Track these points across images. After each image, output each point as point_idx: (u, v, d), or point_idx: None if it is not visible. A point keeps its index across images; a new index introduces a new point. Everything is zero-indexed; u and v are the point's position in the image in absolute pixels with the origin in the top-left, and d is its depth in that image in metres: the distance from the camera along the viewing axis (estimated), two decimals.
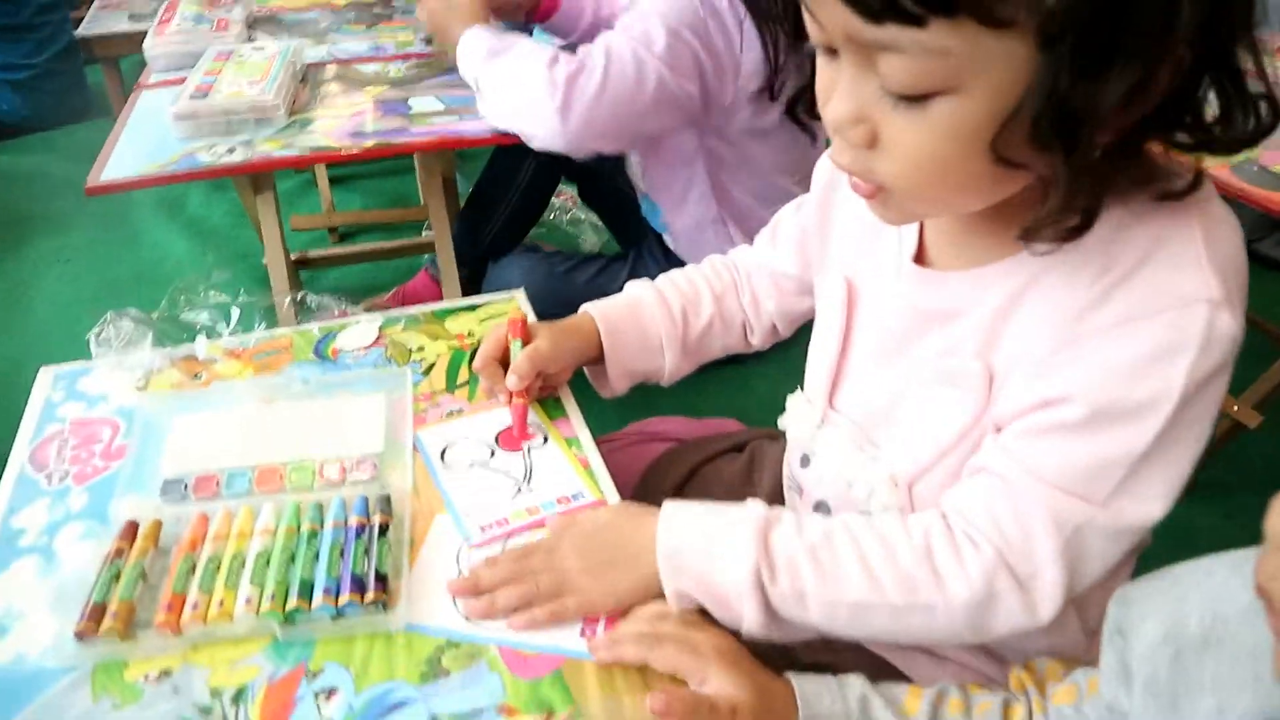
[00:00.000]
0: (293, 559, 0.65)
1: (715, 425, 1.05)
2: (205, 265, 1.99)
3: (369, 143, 1.11)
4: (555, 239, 2.03)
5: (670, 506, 0.64)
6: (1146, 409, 0.51)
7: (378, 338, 0.92)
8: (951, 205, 0.56)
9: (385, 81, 1.28)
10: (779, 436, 0.96)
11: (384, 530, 0.67)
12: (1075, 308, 0.53)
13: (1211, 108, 0.49)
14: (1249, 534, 0.37)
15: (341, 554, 0.65)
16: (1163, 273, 0.51)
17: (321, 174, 2.13)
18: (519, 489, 0.73)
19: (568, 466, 0.76)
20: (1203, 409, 0.52)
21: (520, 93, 1.13)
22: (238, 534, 0.67)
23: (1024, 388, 0.56)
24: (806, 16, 0.51)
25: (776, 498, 0.85)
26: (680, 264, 1.37)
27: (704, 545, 0.61)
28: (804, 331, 0.87)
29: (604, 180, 1.57)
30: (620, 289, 1.37)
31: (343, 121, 1.16)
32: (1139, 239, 0.52)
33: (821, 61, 0.53)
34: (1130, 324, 0.51)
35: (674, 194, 1.34)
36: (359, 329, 0.94)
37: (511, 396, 0.78)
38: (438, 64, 1.34)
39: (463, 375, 0.87)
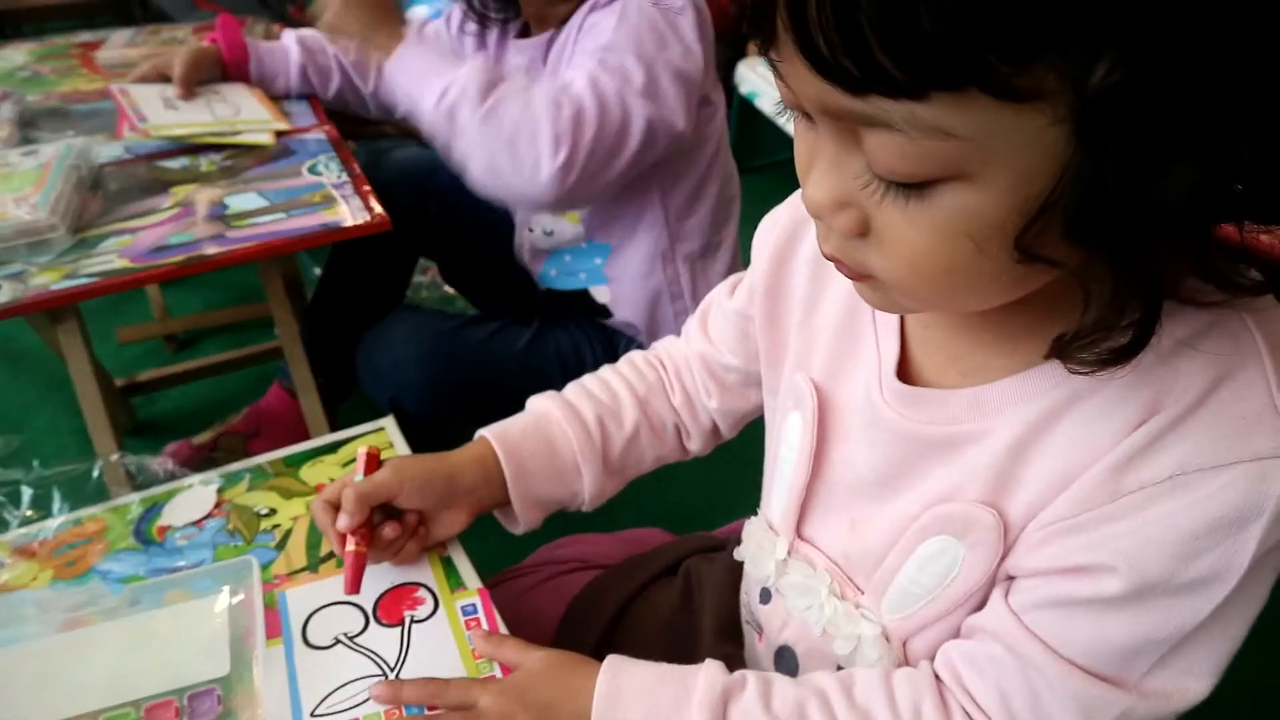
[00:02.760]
0: None
1: (637, 538, 0.91)
2: (15, 402, 1.72)
3: (177, 258, 0.92)
4: None
5: (609, 673, 0.55)
6: (1204, 585, 0.41)
7: (216, 504, 0.74)
8: (958, 305, 0.45)
9: (196, 178, 1.08)
10: (715, 547, 0.84)
11: None
12: (1117, 455, 0.42)
13: None
14: None
15: None
16: (1228, 420, 0.40)
17: None
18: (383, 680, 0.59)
19: (452, 648, 0.61)
20: (1269, 570, 0.43)
21: (517, 148, 0.98)
22: None
23: (1047, 546, 0.45)
24: (775, 79, 0.39)
25: (724, 632, 0.73)
26: (604, 329, 1.25)
27: None
28: None
29: (470, 252, 1.41)
30: (524, 349, 1.19)
31: (144, 234, 0.96)
32: (1195, 370, 0.41)
33: (799, 126, 0.42)
34: (1188, 483, 0.41)
35: (624, 226, 1.19)
36: (191, 496, 0.76)
37: (345, 542, 0.63)
38: (259, 152, 1.16)
39: (328, 543, 0.69)
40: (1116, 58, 0.30)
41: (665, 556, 0.83)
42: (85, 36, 1.75)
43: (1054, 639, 0.45)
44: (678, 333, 0.78)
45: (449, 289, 1.79)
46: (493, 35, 1.23)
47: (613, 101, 0.99)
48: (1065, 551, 0.44)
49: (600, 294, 1.25)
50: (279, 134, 1.21)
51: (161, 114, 1.23)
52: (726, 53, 2.76)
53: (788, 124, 2.27)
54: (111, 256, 0.92)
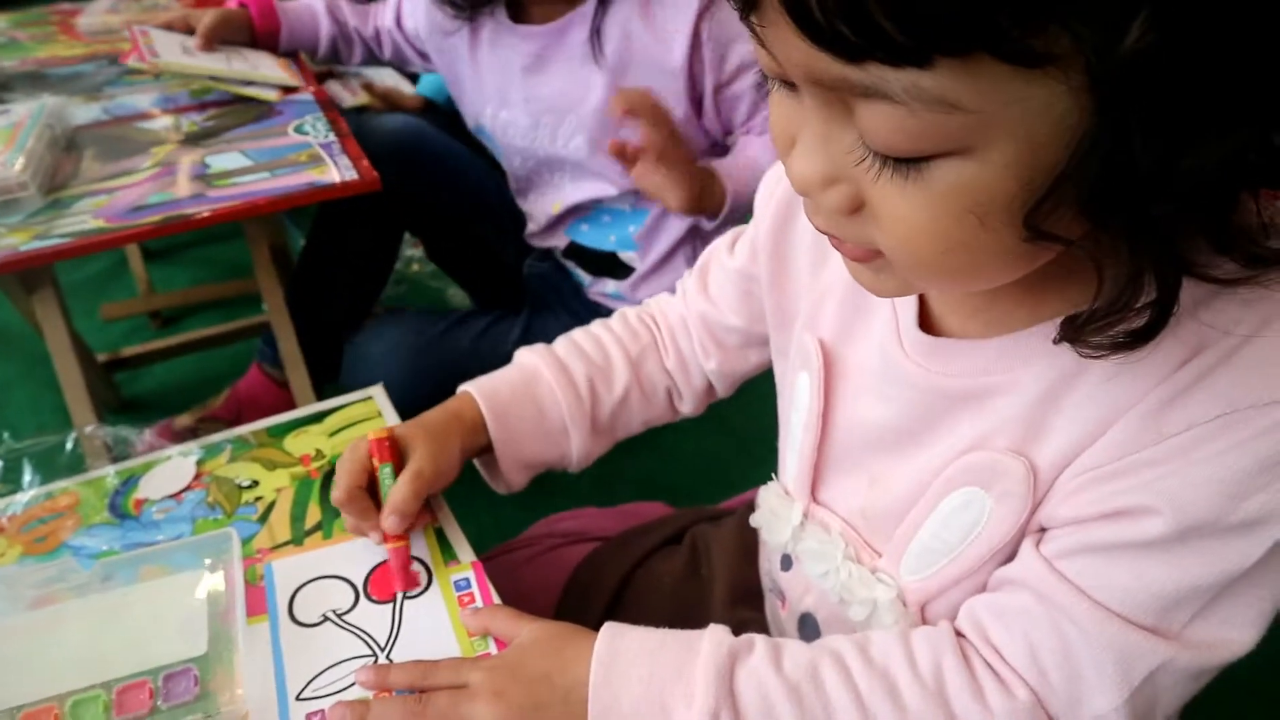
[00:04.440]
0: None
1: (638, 511, 0.88)
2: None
3: (155, 218, 0.87)
4: (418, 297, 1.80)
5: (606, 637, 0.51)
6: (1254, 526, 0.38)
7: (195, 476, 0.70)
8: (965, 284, 0.42)
9: (177, 139, 1.04)
10: (720, 515, 0.81)
11: None
12: (1159, 396, 0.39)
13: None
14: None
15: None
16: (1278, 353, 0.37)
17: (133, 249, 1.84)
18: (374, 660, 0.56)
19: (447, 625, 0.58)
20: None
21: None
22: None
23: (1084, 493, 0.42)
24: (755, 44, 0.35)
25: (737, 597, 0.71)
26: (596, 311, 1.21)
27: (646, 692, 0.48)
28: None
29: (458, 230, 1.36)
30: (516, 344, 1.18)
31: (121, 194, 0.91)
32: (1242, 307, 0.38)
33: (778, 94, 0.38)
34: (1238, 421, 0.38)
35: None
36: (169, 468, 0.72)
37: (387, 538, 0.61)
38: (243, 112, 1.11)
39: (313, 515, 0.67)
40: (1150, 19, 0.27)
41: (668, 526, 0.81)
42: (65, 6, 1.71)
43: (1090, 585, 0.42)
44: None
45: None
46: (484, 22, 1.18)
47: None
48: (1104, 496, 0.41)
49: (629, 259, 1.24)
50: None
51: (177, 56, 1.21)
52: None
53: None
54: (86, 217, 0.87)
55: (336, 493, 0.62)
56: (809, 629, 0.59)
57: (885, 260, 0.39)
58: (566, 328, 1.19)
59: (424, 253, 1.68)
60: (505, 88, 1.17)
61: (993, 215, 0.34)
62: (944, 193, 0.34)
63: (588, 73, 1.09)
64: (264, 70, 1.22)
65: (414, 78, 1.78)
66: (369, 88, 1.68)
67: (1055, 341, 0.39)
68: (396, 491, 0.60)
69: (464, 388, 0.69)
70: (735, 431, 1.40)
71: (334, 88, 1.65)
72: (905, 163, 0.34)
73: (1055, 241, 0.34)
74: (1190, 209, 0.32)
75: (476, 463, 0.70)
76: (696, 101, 1.11)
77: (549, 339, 1.19)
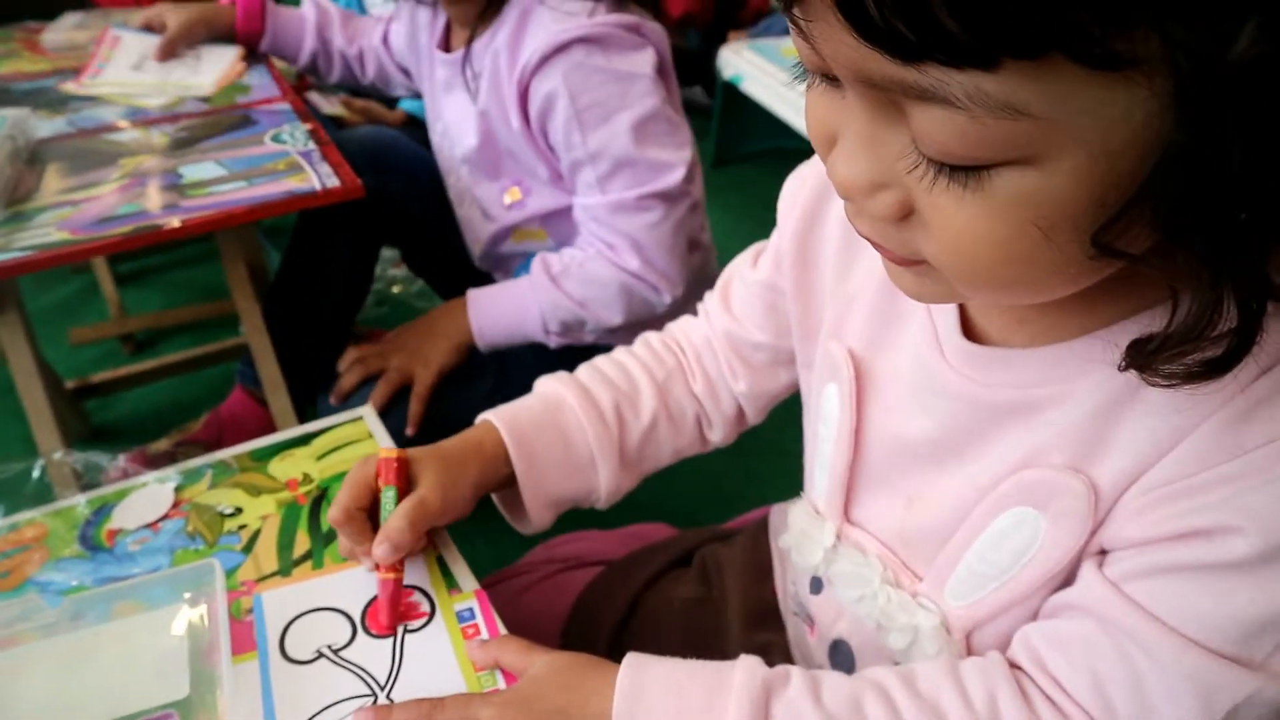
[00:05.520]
0: None
1: (641, 534, 0.85)
2: None
3: (124, 229, 0.82)
4: (401, 319, 1.74)
5: (629, 669, 0.48)
6: None
7: (174, 504, 0.65)
8: (1017, 298, 0.39)
9: (148, 150, 0.99)
10: (728, 535, 0.77)
11: None
12: (1237, 407, 0.36)
13: None
14: None
15: None
16: None
17: (104, 271, 1.78)
18: (374, 700, 0.52)
19: (451, 659, 0.54)
20: None
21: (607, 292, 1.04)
22: None
23: (1153, 512, 0.39)
24: (795, 36, 0.32)
25: (755, 620, 0.67)
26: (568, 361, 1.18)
27: None
28: None
29: (436, 237, 1.32)
30: (491, 391, 1.12)
31: (87, 206, 0.86)
32: None
33: (818, 88, 0.35)
34: None
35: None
36: (145, 495, 0.67)
37: (379, 568, 0.56)
38: (216, 123, 1.07)
39: (301, 544, 0.62)
40: (1264, 25, 0.24)
41: (676, 547, 0.77)
42: (31, 24, 1.66)
43: (1164, 610, 0.39)
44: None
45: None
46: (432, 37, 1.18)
47: (641, 205, 1.01)
48: (1177, 515, 0.38)
49: None
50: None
51: (121, 72, 1.20)
52: (704, 44, 2.71)
53: (779, 105, 2.15)
54: (49, 229, 0.82)
55: (333, 510, 0.58)
56: (841, 656, 0.55)
57: (931, 266, 0.36)
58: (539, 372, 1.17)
59: (406, 269, 1.64)
60: (440, 108, 1.17)
61: (1057, 229, 0.31)
62: (1005, 204, 0.31)
63: (469, 109, 1.07)
64: (201, 80, 1.21)
65: (392, 104, 1.75)
66: (348, 103, 1.65)
67: (1121, 368, 0.36)
68: (393, 519, 0.56)
69: (484, 416, 0.64)
70: (736, 450, 1.36)
71: (313, 97, 1.62)
72: (963, 170, 0.31)
73: (1124, 259, 0.31)
74: None
75: (497, 500, 0.66)
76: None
77: (526, 377, 1.15)
